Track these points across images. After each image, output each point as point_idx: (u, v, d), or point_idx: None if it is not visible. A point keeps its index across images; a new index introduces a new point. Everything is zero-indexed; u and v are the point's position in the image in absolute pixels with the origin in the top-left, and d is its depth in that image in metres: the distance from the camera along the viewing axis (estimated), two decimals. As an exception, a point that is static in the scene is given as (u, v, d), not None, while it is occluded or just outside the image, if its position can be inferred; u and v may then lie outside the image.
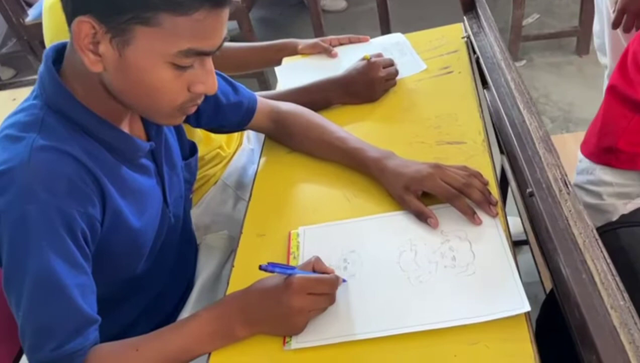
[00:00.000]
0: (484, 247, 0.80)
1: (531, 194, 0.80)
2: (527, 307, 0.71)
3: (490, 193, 0.87)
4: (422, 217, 0.86)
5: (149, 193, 0.86)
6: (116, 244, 0.81)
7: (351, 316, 0.77)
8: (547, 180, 0.77)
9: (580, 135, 1.39)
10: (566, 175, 0.74)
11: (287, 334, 0.76)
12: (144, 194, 0.85)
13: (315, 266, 0.79)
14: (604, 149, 1.05)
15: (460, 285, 0.76)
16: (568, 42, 2.54)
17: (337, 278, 0.78)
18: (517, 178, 0.97)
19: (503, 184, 1.29)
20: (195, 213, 1.29)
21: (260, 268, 0.74)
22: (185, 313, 1.00)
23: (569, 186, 0.72)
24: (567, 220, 0.71)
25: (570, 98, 2.27)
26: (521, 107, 0.87)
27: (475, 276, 0.77)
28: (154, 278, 0.94)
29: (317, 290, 0.75)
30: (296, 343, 0.76)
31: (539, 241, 0.87)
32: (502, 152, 1.08)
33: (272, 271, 0.75)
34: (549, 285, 1.15)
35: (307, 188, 1.02)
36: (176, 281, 1.02)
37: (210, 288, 1.06)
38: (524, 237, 1.34)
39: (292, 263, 0.87)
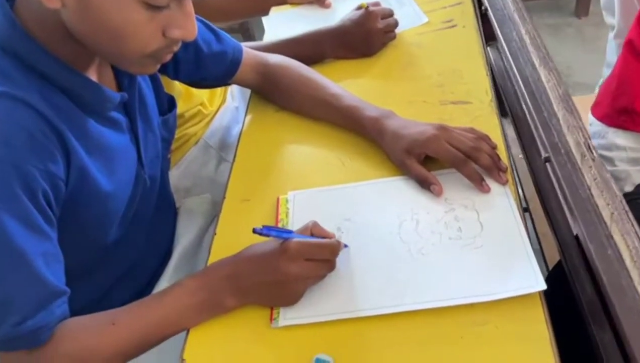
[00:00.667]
0: (492, 217, 0.73)
1: (547, 160, 0.72)
2: (542, 285, 0.64)
3: (499, 158, 0.79)
4: (425, 183, 0.78)
5: (121, 151, 0.77)
6: (84, 208, 0.72)
7: (345, 291, 0.69)
8: (566, 144, 0.69)
9: (584, 99, 1.32)
10: (589, 138, 0.66)
11: (282, 304, 0.69)
12: (115, 152, 0.76)
13: (314, 230, 0.71)
14: (618, 110, 0.98)
15: (466, 258, 0.69)
16: (567, 3, 2.45)
17: (338, 242, 0.70)
18: (525, 142, 0.89)
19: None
20: (174, 175, 1.20)
21: (255, 231, 0.65)
22: (163, 284, 0.92)
23: (593, 151, 0.64)
24: (590, 189, 0.64)
25: (569, 61, 2.19)
26: (536, 63, 0.78)
27: (484, 250, 0.70)
28: (128, 245, 0.86)
29: (317, 255, 0.68)
30: (284, 320, 0.68)
31: (547, 211, 0.80)
32: (503, 115, 1.00)
33: (267, 235, 0.67)
34: (551, 257, 1.09)
35: (297, 149, 0.93)
36: (153, 249, 0.94)
37: (190, 256, 0.98)
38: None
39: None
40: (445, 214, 0.75)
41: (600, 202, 0.62)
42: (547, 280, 0.91)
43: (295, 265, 0.66)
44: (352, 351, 0.64)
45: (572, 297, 0.75)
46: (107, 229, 0.78)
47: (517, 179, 1.36)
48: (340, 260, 0.72)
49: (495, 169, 0.77)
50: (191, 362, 0.67)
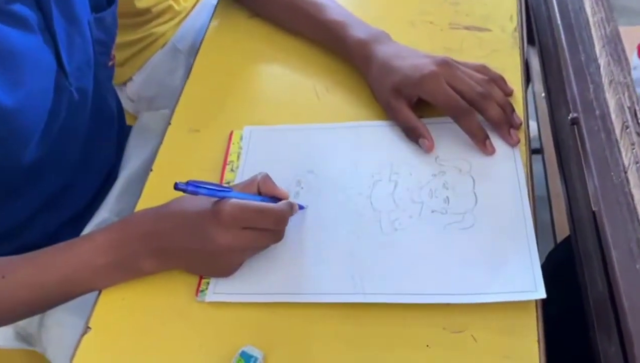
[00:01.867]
0: (491, 189, 0.57)
1: (574, 122, 0.55)
2: (540, 292, 0.49)
3: (513, 110, 0.61)
4: (413, 134, 0.61)
5: (29, 57, 0.60)
6: None
7: (292, 267, 0.55)
8: (603, 105, 0.51)
9: (630, 30, 1.09)
10: (639, 101, 0.48)
11: (211, 275, 0.56)
12: (20, 57, 0.59)
13: (262, 186, 0.56)
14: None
15: (449, 241, 0.54)
16: None
17: (290, 207, 0.55)
18: (551, 87, 0.70)
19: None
20: (135, 82, 1.03)
21: (177, 187, 0.50)
22: (103, 212, 0.78)
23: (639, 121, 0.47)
24: (626, 173, 0.47)
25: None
26: (582, -14, 0.58)
27: (473, 232, 0.54)
28: (54, 167, 0.71)
29: (258, 223, 0.53)
30: (213, 294, 0.55)
31: (566, 184, 0.63)
32: (530, 42, 0.81)
33: (193, 193, 0.51)
34: (560, 226, 0.93)
35: (266, 70, 0.75)
36: (90, 169, 0.79)
37: (139, 181, 0.84)
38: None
39: (228, 177, 0.63)
40: (432, 178, 0.59)
41: (637, 194, 0.45)
42: (549, 258, 0.76)
43: (228, 234, 0.51)
44: (289, 346, 0.51)
45: (575, 289, 0.60)
46: (17, 149, 0.63)
47: (537, 122, 1.18)
48: (292, 225, 0.57)
49: (506, 125, 0.59)
50: (98, 332, 0.55)
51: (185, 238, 0.53)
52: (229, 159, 0.65)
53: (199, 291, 0.55)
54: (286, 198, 0.56)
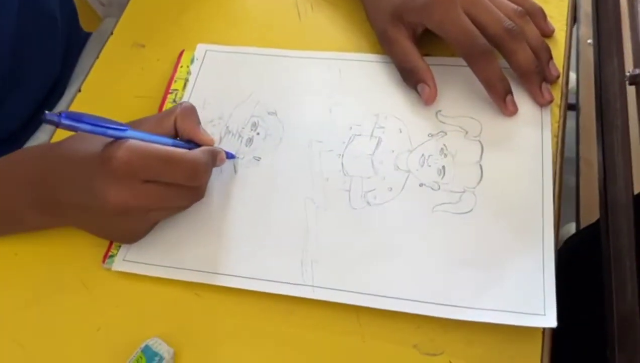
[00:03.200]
0: (504, 163, 0.42)
1: (634, 81, 0.39)
2: (551, 319, 0.35)
3: (550, 58, 0.45)
4: (411, 77, 0.46)
5: None
6: None
7: (225, 239, 0.42)
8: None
9: None
10: None
11: (111, 240, 0.43)
12: None
13: (181, 123, 0.42)
14: None
15: (437, 228, 0.40)
16: None
17: (210, 155, 0.41)
18: (601, 32, 0.54)
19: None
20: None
21: (46, 120, 0.35)
22: (42, 133, 0.65)
23: None
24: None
25: None
26: None
27: (471, 219, 0.40)
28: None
29: (164, 176, 0.38)
30: (123, 261, 0.42)
31: (604, 157, 0.49)
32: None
33: (70, 129, 0.36)
34: (586, 211, 0.78)
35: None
36: (22, 85, 0.65)
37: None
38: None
39: (168, 106, 0.49)
40: (428, 139, 0.44)
41: None
42: (566, 246, 0.62)
43: (122, 189, 0.37)
44: (209, 341, 0.39)
45: (595, 292, 0.47)
46: None
47: (577, 73, 1.00)
48: (230, 181, 0.43)
49: (538, 76, 0.44)
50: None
51: (71, 191, 0.40)
52: (172, 86, 0.50)
53: (107, 256, 0.43)
54: (211, 145, 0.42)
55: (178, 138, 0.42)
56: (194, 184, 0.39)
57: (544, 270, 0.37)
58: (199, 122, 0.42)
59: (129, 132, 0.38)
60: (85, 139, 0.39)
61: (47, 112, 0.35)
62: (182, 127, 0.41)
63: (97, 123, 0.37)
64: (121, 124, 0.38)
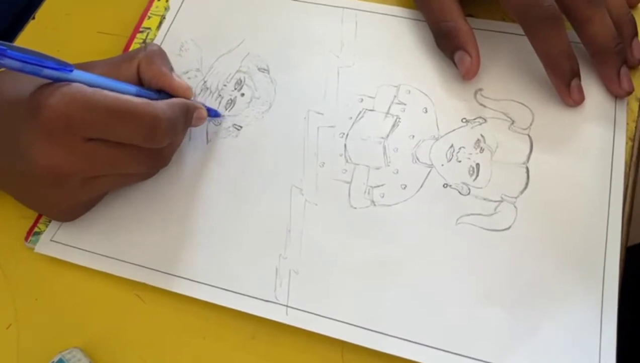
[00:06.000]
0: (560, 168, 0.31)
1: None
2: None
3: (635, 35, 0.34)
4: (449, 41, 0.35)
5: None
6: None
7: (183, 229, 0.32)
8: None
9: None
10: None
11: (41, 212, 0.33)
12: None
13: (145, 68, 0.32)
14: None
15: (461, 247, 0.30)
16: None
17: (185, 109, 0.31)
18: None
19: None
20: None
21: None
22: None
23: None
24: None
25: None
26: None
27: (507, 240, 0.30)
28: None
29: (114, 133, 0.28)
30: (50, 242, 0.33)
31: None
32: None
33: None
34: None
35: None
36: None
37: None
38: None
39: (135, 47, 0.39)
40: (462, 125, 0.33)
41: None
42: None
43: (56, 147, 0.28)
44: (142, 358, 0.30)
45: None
46: None
47: None
48: (199, 151, 0.33)
49: (617, 57, 0.33)
50: None
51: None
52: (144, 24, 0.40)
53: (31, 232, 0.33)
54: (186, 96, 0.32)
55: (145, 87, 0.32)
56: (154, 145, 0.29)
57: (602, 321, 0.27)
58: (170, 68, 0.32)
59: (75, 74, 0.28)
60: (17, 77, 0.29)
61: None
62: (148, 74, 0.31)
63: (28, 59, 0.27)
64: (64, 63, 0.28)
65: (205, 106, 0.33)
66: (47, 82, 0.28)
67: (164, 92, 0.32)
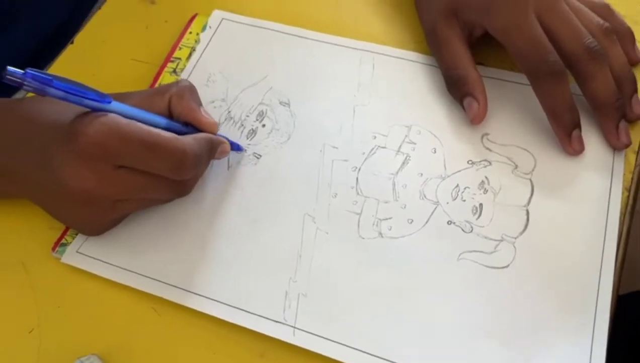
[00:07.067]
0: (559, 212, 0.33)
1: None
2: None
3: (635, 91, 0.36)
4: (459, 87, 0.37)
5: None
6: None
7: (201, 250, 0.34)
8: None
9: None
10: None
11: (70, 226, 0.36)
12: None
13: (176, 103, 0.34)
14: None
15: (462, 282, 0.32)
16: None
17: (211, 144, 0.34)
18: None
19: None
20: None
21: (6, 75, 0.27)
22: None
23: None
24: None
25: None
26: None
27: (506, 278, 0.32)
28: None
29: (144, 163, 0.31)
30: (76, 254, 0.35)
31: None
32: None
33: (37, 92, 0.28)
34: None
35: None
36: (22, 28, 0.58)
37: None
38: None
39: (167, 79, 0.41)
40: (468, 166, 0.36)
41: None
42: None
43: (90, 173, 0.30)
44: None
45: None
46: None
47: None
48: (220, 177, 0.36)
49: (617, 112, 0.35)
50: None
51: (28, 164, 0.33)
52: (175, 54, 0.43)
53: (58, 243, 0.36)
54: (212, 131, 0.34)
55: (174, 119, 0.34)
56: (180, 177, 0.32)
57: (591, 359, 0.29)
58: (199, 104, 0.35)
59: (113, 105, 0.30)
60: (55, 102, 0.32)
61: (8, 67, 0.28)
62: (178, 108, 0.33)
63: (71, 89, 0.29)
64: (103, 95, 0.31)
65: (229, 140, 0.36)
66: (86, 111, 0.31)
67: (191, 126, 0.34)
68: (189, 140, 0.32)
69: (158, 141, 0.30)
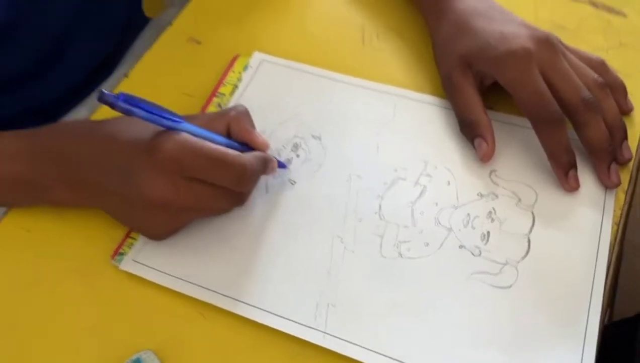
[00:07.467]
0: (556, 241, 0.38)
1: None
2: None
3: (625, 138, 0.41)
4: (470, 129, 0.43)
5: None
6: None
7: (243, 261, 0.39)
8: None
9: None
10: None
11: (138, 231, 0.41)
12: None
13: (235, 125, 0.40)
14: None
15: (470, 298, 0.36)
16: None
17: (263, 162, 0.39)
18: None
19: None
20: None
21: (101, 98, 0.33)
22: (83, 109, 0.64)
23: None
24: None
25: None
26: None
27: (509, 296, 0.36)
28: (29, 31, 0.57)
29: (212, 177, 0.36)
30: (132, 262, 0.40)
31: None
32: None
33: (125, 112, 0.34)
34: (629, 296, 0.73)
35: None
36: (75, 50, 0.64)
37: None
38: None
39: (212, 109, 0.47)
40: (477, 199, 0.41)
41: None
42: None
43: (164, 184, 0.36)
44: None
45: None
46: None
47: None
48: (262, 198, 0.41)
49: (609, 156, 0.40)
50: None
51: (110, 176, 0.38)
52: (220, 89, 0.48)
53: (117, 252, 0.41)
54: (264, 150, 0.40)
55: (233, 139, 0.40)
56: (241, 189, 0.38)
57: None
58: (253, 126, 0.40)
59: (184, 125, 0.36)
60: (132, 122, 0.37)
61: (103, 90, 0.33)
62: (236, 130, 0.39)
63: (152, 110, 0.35)
64: (177, 115, 0.36)
65: (276, 159, 0.41)
66: (162, 130, 0.36)
67: (246, 145, 0.39)
68: (249, 156, 0.37)
69: (225, 157, 0.36)
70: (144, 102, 0.35)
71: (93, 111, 0.56)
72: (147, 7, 0.77)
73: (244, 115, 0.40)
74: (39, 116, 0.62)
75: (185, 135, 0.36)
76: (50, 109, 0.62)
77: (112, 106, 0.34)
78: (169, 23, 0.55)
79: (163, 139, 0.35)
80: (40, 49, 0.57)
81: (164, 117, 0.35)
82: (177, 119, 0.36)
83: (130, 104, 0.34)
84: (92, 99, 0.65)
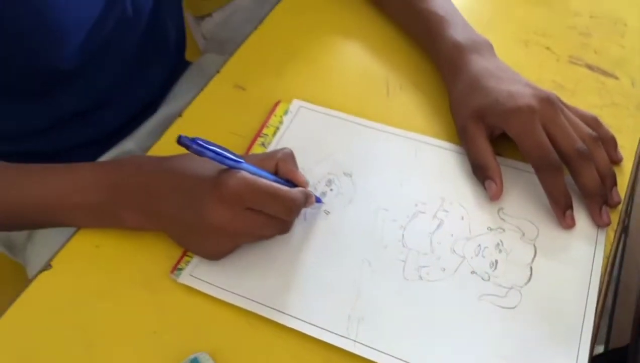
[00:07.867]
0: (554, 270, 0.45)
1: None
2: None
3: (615, 184, 0.48)
4: (482, 172, 0.49)
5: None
6: (10, 13, 0.51)
7: (286, 278, 0.45)
8: None
9: None
10: None
11: (197, 253, 0.47)
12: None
13: (282, 164, 0.47)
14: None
15: (480, 316, 0.43)
16: None
17: (306, 196, 0.46)
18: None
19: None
20: (214, 20, 0.97)
21: (180, 142, 0.41)
22: (130, 142, 0.72)
23: None
24: None
25: None
26: None
27: (513, 315, 0.43)
28: (90, 81, 0.65)
29: (267, 208, 0.44)
30: (189, 276, 0.46)
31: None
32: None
33: (197, 153, 0.42)
34: (618, 336, 0.79)
35: (339, 47, 0.65)
36: (126, 96, 0.72)
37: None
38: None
39: (257, 150, 0.54)
40: (486, 232, 0.47)
41: None
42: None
43: (227, 213, 0.43)
44: (248, 370, 0.42)
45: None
46: (52, 48, 0.57)
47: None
48: (299, 225, 0.48)
49: (600, 199, 0.47)
50: (57, 273, 0.48)
51: (178, 205, 0.45)
52: (263, 131, 0.56)
53: (176, 268, 0.47)
54: (305, 186, 0.47)
55: (279, 176, 0.47)
56: (289, 218, 0.45)
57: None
58: (296, 166, 0.48)
59: (244, 165, 0.43)
60: (199, 161, 0.44)
61: (182, 135, 0.40)
62: (283, 168, 0.46)
63: (219, 152, 0.42)
64: (238, 156, 0.43)
65: (315, 195, 0.48)
66: (224, 168, 0.43)
67: (290, 182, 0.46)
68: (296, 191, 0.44)
69: (277, 192, 0.43)
70: (213, 145, 0.42)
71: (139, 143, 0.63)
72: (189, 53, 0.85)
73: (289, 157, 0.47)
74: (91, 147, 0.69)
75: (244, 173, 0.43)
76: (102, 141, 0.70)
77: (187, 147, 0.41)
78: (217, 71, 0.63)
79: (227, 176, 0.43)
80: (94, 95, 0.65)
81: (229, 158, 0.43)
82: (238, 160, 0.43)
83: (202, 147, 0.41)
84: (139, 132, 0.72)
